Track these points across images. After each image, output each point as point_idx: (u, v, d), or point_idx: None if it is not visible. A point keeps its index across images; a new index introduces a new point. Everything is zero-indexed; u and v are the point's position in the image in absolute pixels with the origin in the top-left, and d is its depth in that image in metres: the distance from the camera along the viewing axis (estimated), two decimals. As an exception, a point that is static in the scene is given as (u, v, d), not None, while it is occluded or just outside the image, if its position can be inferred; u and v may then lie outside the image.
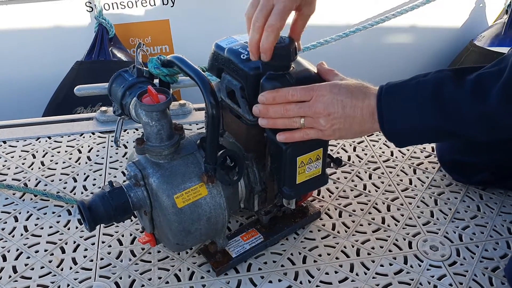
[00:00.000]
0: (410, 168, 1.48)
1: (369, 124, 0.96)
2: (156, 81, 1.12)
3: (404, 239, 1.24)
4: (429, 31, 2.95)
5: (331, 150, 1.54)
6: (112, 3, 2.62)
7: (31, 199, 1.35)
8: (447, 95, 0.91)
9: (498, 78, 0.88)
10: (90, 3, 2.58)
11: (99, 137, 1.61)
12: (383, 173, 1.46)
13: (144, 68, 1.10)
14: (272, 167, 1.07)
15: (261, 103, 0.97)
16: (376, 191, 1.39)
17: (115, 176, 1.43)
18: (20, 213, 1.31)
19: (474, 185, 1.41)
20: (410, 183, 1.42)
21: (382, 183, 1.42)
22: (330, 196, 1.37)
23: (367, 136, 1.61)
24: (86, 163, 1.49)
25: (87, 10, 2.60)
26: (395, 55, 2.94)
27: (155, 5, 2.61)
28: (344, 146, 1.57)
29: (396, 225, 1.28)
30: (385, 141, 1.58)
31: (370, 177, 1.44)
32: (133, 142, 1.14)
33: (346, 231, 1.26)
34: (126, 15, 2.63)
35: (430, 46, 2.98)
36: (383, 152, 1.54)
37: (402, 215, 1.31)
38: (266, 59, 0.95)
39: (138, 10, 2.63)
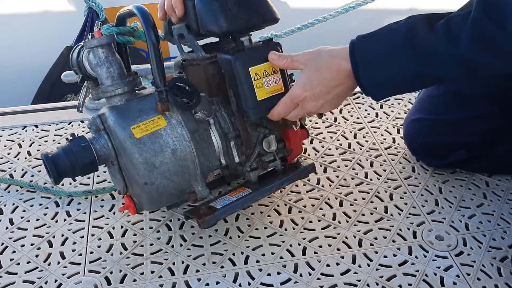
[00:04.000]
0: (413, 155, 1.42)
1: (352, 84, 1.01)
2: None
3: (408, 229, 1.19)
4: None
5: (331, 138, 1.49)
6: (102, -14, 2.53)
7: (17, 190, 1.29)
8: (421, 40, 0.92)
9: (466, 20, 0.89)
10: (79, -14, 2.50)
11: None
12: (385, 161, 1.40)
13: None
14: (234, 97, 1.07)
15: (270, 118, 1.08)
16: (378, 179, 1.34)
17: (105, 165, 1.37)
18: (5, 205, 1.25)
19: (448, 167, 1.37)
20: (413, 170, 1.37)
21: (384, 171, 1.37)
22: (330, 185, 1.31)
23: (368, 122, 1.55)
24: (75, 152, 1.42)
25: (76, -7, 2.53)
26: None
27: (148, -13, 2.54)
28: (344, 133, 1.51)
29: (400, 215, 1.23)
30: (387, 127, 1.53)
31: (371, 165, 1.39)
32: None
33: (347, 221, 1.20)
34: (117, -3, 2.55)
35: None
36: (385, 139, 1.48)
37: (406, 204, 1.26)
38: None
39: (130, -7, 2.55)
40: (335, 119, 1.57)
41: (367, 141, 1.48)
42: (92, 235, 1.17)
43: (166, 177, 1.02)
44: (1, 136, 1.49)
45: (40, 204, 1.25)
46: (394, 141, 1.48)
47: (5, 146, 1.45)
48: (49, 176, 0.99)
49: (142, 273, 1.08)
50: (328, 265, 1.09)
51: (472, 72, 0.94)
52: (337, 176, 1.34)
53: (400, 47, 0.94)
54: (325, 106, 1.05)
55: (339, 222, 1.20)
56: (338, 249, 1.13)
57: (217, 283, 1.06)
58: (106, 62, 1.03)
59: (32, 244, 1.15)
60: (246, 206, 1.15)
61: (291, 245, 1.14)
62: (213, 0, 1.04)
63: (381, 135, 1.50)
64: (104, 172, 1.34)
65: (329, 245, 1.14)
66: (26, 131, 1.51)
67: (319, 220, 1.20)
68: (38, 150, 1.43)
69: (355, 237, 1.16)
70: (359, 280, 1.06)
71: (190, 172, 1.04)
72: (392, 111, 1.60)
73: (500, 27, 0.86)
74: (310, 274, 1.07)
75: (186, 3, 1.07)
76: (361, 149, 1.45)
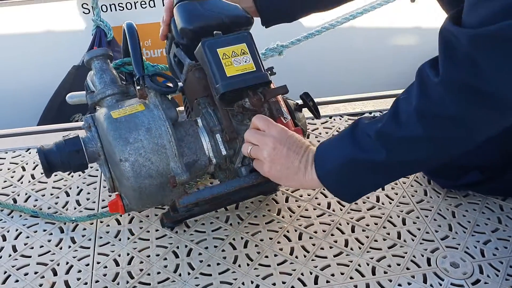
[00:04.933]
0: (424, 178, 1.39)
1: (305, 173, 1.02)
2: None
3: (422, 255, 1.15)
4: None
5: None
6: (110, 5, 2.53)
7: (21, 215, 1.26)
8: (360, 129, 0.97)
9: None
10: (87, 4, 2.49)
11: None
12: (396, 184, 1.37)
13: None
14: (209, 82, 1.08)
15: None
16: (390, 203, 1.30)
17: (110, 195, 1.34)
18: (8, 231, 1.22)
19: (461, 189, 1.34)
20: (425, 194, 1.34)
21: (396, 194, 1.33)
22: (341, 210, 1.28)
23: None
24: (80, 175, 1.39)
25: (83, 12, 2.52)
26: (402, 56, 2.86)
27: (155, 6, 2.53)
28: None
29: (413, 240, 1.19)
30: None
31: (382, 188, 1.35)
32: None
33: (360, 248, 1.17)
34: (125, 17, 2.54)
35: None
36: (396, 160, 1.45)
37: (419, 229, 1.22)
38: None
39: (137, 12, 2.55)
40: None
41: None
42: (98, 262, 1.14)
43: (140, 154, 1.03)
44: (5, 158, 1.47)
45: (44, 230, 1.22)
46: (405, 162, 1.44)
47: (8, 169, 1.42)
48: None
49: (148, 303, 1.05)
50: (340, 295, 1.06)
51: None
52: (348, 200, 1.31)
53: (345, 138, 0.99)
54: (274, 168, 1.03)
55: (351, 249, 1.17)
56: (351, 278, 1.10)
57: (226, 314, 1.02)
58: (100, 71, 1.16)
59: (36, 273, 1.11)
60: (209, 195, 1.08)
61: (302, 274, 1.10)
62: (185, 5, 1.15)
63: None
64: (110, 195, 1.31)
65: (342, 274, 1.10)
66: (30, 153, 1.49)
67: (330, 247, 1.17)
68: (41, 174, 1.40)
69: (368, 264, 1.13)
70: (373, 311, 1.03)
71: (167, 151, 1.05)
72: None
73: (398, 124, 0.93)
74: (322, 304, 1.04)
75: (171, 21, 1.19)
76: (371, 171, 1.41)
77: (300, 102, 1.19)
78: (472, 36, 0.82)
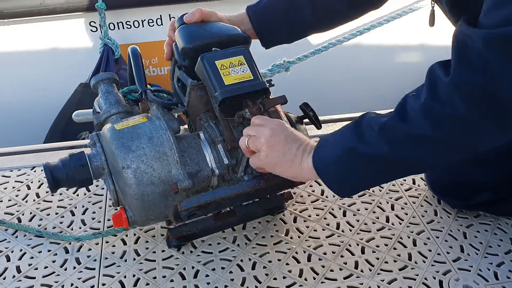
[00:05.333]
0: (434, 197, 1.36)
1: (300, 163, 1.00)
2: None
3: (434, 278, 1.13)
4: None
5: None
6: (118, 23, 2.54)
7: (25, 235, 1.25)
8: (365, 121, 0.96)
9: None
10: (95, 22, 2.50)
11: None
12: (406, 204, 1.35)
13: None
14: (209, 94, 1.10)
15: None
16: (400, 224, 1.28)
17: (116, 209, 1.32)
18: (12, 252, 1.20)
19: (472, 209, 1.31)
20: (436, 214, 1.31)
21: (406, 214, 1.31)
22: (350, 231, 1.25)
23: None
24: (85, 194, 1.38)
25: (91, 30, 2.53)
26: (408, 73, 2.85)
27: (162, 24, 2.54)
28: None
29: (424, 262, 1.17)
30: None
31: (392, 208, 1.33)
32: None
33: (370, 270, 1.14)
34: (132, 35, 2.55)
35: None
36: (404, 180, 1.43)
37: (430, 251, 1.20)
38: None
39: (145, 30, 2.55)
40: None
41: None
42: (103, 284, 1.12)
43: (142, 161, 1.04)
44: (10, 177, 1.45)
45: (49, 250, 1.21)
46: (414, 182, 1.42)
47: (13, 187, 1.41)
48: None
49: (154, 326, 1.02)
50: (350, 319, 1.03)
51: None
52: (358, 221, 1.29)
53: (347, 130, 0.98)
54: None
55: (361, 271, 1.14)
56: (361, 301, 1.07)
57: (233, 338, 1.00)
58: (106, 93, 1.20)
59: (40, 294, 1.10)
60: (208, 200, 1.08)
61: (311, 296, 1.08)
62: (185, 27, 1.19)
63: (402, 176, 1.45)
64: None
65: (352, 297, 1.08)
66: (35, 171, 1.48)
67: (340, 269, 1.14)
68: (47, 192, 1.39)
69: (379, 287, 1.10)
70: (385, 336, 1.00)
71: (168, 158, 1.06)
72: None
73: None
74: (331, 329, 1.01)
75: (174, 45, 1.22)
76: (380, 191, 1.39)
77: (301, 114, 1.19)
78: (487, 37, 0.80)
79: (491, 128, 0.88)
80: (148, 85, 1.23)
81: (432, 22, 1.26)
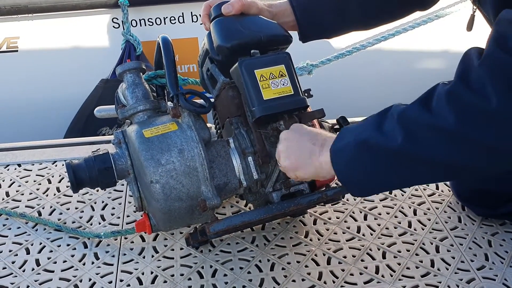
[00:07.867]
0: (458, 203, 1.33)
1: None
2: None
3: (458, 286, 1.10)
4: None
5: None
6: (140, 20, 2.54)
7: (45, 229, 1.25)
8: (391, 109, 0.90)
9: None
10: (117, 19, 2.51)
11: (120, 161, 1.50)
12: (428, 209, 1.32)
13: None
14: (245, 104, 1.06)
15: None
16: (423, 229, 1.25)
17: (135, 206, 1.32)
18: (32, 245, 1.21)
19: (498, 218, 1.28)
20: (460, 220, 1.28)
21: (429, 220, 1.28)
22: (371, 235, 1.23)
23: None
24: (105, 190, 1.38)
25: (113, 27, 2.53)
26: (431, 79, 2.81)
27: (184, 22, 2.53)
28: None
29: (447, 269, 1.14)
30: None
31: (415, 213, 1.31)
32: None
33: (391, 275, 1.12)
34: (154, 32, 2.55)
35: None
36: (427, 185, 1.40)
37: (453, 258, 1.17)
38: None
39: (167, 28, 2.55)
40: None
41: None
42: (121, 280, 1.11)
43: (172, 176, 1.01)
44: (31, 170, 1.46)
45: (68, 245, 1.21)
46: (437, 187, 1.40)
47: (34, 181, 1.42)
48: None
49: (171, 325, 1.01)
50: (370, 324, 1.01)
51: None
52: (379, 225, 1.26)
53: (369, 121, 0.92)
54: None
55: (382, 276, 1.12)
56: (381, 307, 1.05)
57: None
58: (132, 85, 1.13)
59: (58, 288, 1.10)
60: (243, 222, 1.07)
61: (330, 300, 1.06)
62: (222, 21, 1.12)
63: (425, 181, 1.42)
64: (135, 211, 1.29)
65: (372, 302, 1.06)
66: (56, 166, 1.48)
67: (360, 273, 1.12)
68: (67, 187, 1.39)
69: (399, 293, 1.08)
70: None
71: (198, 174, 1.02)
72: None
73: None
74: (351, 334, 0.99)
75: (207, 35, 1.16)
76: (402, 195, 1.37)
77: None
78: None
79: None
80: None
81: (470, 27, 1.19)
